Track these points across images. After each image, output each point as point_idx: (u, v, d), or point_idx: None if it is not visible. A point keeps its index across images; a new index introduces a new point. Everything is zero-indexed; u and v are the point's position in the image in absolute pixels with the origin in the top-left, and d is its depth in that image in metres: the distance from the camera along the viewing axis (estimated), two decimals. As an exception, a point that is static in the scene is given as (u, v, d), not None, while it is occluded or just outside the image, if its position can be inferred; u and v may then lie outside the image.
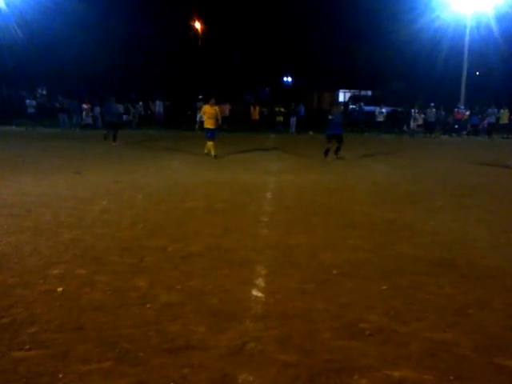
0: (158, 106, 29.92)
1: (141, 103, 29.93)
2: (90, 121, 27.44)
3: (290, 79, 53.52)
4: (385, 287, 4.51)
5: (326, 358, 3.26)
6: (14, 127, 26.82)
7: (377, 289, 4.47)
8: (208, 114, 14.85)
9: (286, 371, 3.09)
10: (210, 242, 5.88)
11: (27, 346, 3.35)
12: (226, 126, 18.35)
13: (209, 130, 14.78)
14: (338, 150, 14.53)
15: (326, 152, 14.36)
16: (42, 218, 6.87)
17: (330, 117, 14.48)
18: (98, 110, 27.35)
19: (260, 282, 4.59)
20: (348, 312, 3.98)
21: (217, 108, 15.03)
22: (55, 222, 6.72)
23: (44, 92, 34.80)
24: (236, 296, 4.25)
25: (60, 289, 4.37)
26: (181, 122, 29.86)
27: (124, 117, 26.62)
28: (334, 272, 4.90)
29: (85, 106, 27.35)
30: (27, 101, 27.39)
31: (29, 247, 5.56)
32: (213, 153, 14.57)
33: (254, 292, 4.34)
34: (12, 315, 3.82)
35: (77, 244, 5.73)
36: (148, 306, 4.05)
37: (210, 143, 14.77)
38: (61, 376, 3.03)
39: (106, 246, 5.66)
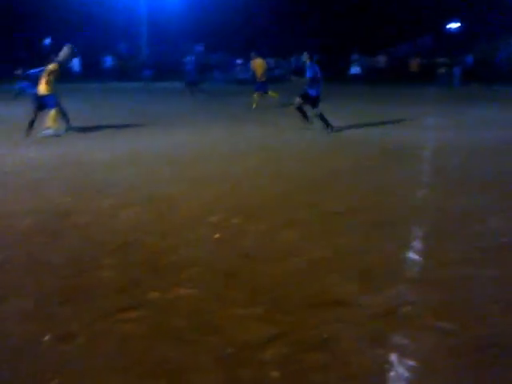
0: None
1: (294, 57, 29.73)
2: (242, 75, 28.14)
3: (455, 25, 46.86)
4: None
5: (491, 331, 2.99)
6: (175, 83, 28.41)
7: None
8: None
9: (446, 340, 2.89)
10: (363, 200, 5.72)
11: (188, 285, 3.57)
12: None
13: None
14: None
15: None
16: (199, 169, 7.25)
17: None
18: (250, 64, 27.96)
19: (417, 244, 4.35)
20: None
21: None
22: (212, 173, 7.05)
23: (201, 49, 36.36)
24: (390, 257, 4.07)
25: (217, 235, 4.57)
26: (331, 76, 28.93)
27: (276, 71, 26.84)
28: (504, 240, 4.46)
29: (239, 61, 28.09)
30: (186, 58, 28.88)
31: (190, 195, 5.91)
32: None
33: (411, 254, 4.12)
34: (175, 256, 4.10)
35: (232, 195, 5.95)
36: (299, 258, 4.06)
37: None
38: (217, 315, 3.17)
39: (259, 200, 5.79)
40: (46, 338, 2.90)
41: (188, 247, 4.29)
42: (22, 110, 12.29)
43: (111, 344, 2.84)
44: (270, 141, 9.82)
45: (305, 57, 10.75)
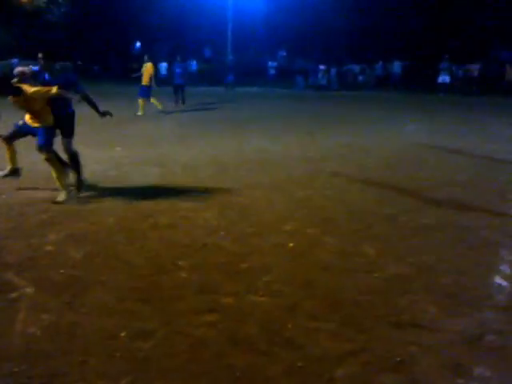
0: (396, 67, 28.75)
1: (381, 63, 29.10)
2: (324, 82, 27.97)
3: None
4: None
5: None
6: (256, 88, 28.84)
7: None
8: None
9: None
10: (445, 216, 5.48)
11: (261, 293, 3.57)
12: None
13: None
14: None
15: None
16: (277, 175, 7.26)
17: None
18: (334, 71, 27.72)
19: (505, 268, 4.10)
20: None
21: None
22: (288, 179, 7.04)
23: (284, 54, 36.55)
24: (473, 280, 3.86)
25: (291, 244, 4.55)
26: (420, 83, 27.89)
27: (359, 77, 26.35)
28: None
29: (322, 67, 27.94)
30: (269, 63, 29.16)
31: (265, 201, 5.93)
32: None
33: (497, 279, 3.89)
34: (249, 262, 4.12)
35: (307, 203, 5.90)
36: (375, 274, 3.95)
37: None
38: (289, 326, 3.14)
39: (335, 209, 5.71)
40: (123, 334, 3.01)
41: (263, 254, 4.30)
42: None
43: (184, 346, 2.90)
44: (347, 148, 9.64)
45: None
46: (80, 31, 36.24)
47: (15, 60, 32.93)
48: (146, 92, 14.92)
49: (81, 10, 36.98)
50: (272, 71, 28.94)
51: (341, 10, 32.79)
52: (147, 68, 15.00)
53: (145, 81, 14.87)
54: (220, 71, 29.45)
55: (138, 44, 42.54)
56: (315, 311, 3.35)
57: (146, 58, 15.34)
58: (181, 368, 2.70)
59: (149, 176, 7.08)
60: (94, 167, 7.32)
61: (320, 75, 27.96)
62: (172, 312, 3.28)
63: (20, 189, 6.10)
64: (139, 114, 14.55)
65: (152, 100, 15.05)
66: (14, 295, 3.47)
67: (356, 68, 29.33)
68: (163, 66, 28.51)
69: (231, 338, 2.99)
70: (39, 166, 6.39)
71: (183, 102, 17.33)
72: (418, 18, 31.33)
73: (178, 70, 17.72)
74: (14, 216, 5.19)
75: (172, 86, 17.92)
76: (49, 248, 4.34)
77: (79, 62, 34.86)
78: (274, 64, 29.37)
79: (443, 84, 24.42)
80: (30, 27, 36.53)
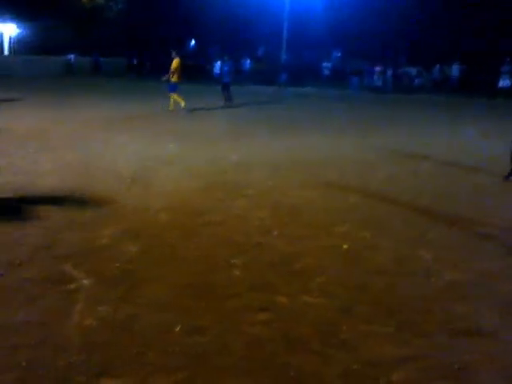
0: (455, 70, 27.86)
1: (438, 66, 28.33)
2: (380, 83, 27.55)
3: None
4: None
5: None
6: (309, 88, 28.68)
7: None
8: None
9: None
10: (504, 222, 5.28)
11: (315, 294, 3.55)
12: None
13: None
14: None
15: None
16: (330, 177, 7.20)
17: None
18: (389, 72, 27.25)
19: None
20: None
21: None
22: (342, 181, 6.97)
23: (339, 54, 36.23)
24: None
25: (345, 246, 4.50)
26: (479, 88, 26.87)
27: (416, 80, 25.82)
28: None
29: (377, 68, 27.54)
30: (323, 63, 29.00)
31: (318, 202, 5.90)
32: None
33: None
34: (303, 263, 4.11)
35: (361, 205, 5.83)
36: (432, 279, 3.85)
37: None
38: (344, 328, 3.11)
39: (390, 212, 5.61)
40: (178, 328, 3.05)
41: (316, 256, 4.27)
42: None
43: (239, 344, 2.91)
44: (401, 151, 9.45)
45: None
46: (135, 28, 37.13)
47: (71, 56, 34.30)
48: (174, 87, 15.01)
49: (137, 7, 37.91)
50: (326, 71, 28.76)
51: (398, 10, 32.07)
52: (173, 64, 14.99)
53: (173, 77, 14.88)
54: (273, 71, 29.51)
55: (193, 42, 43.27)
56: (370, 314, 3.30)
57: (173, 53, 15.15)
58: (236, 365, 2.72)
59: (200, 173, 7.16)
60: (146, 163, 7.49)
61: (375, 77, 27.53)
62: (226, 309, 3.31)
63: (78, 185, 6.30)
64: (181, 106, 14.57)
65: (175, 96, 14.96)
66: (71, 286, 3.56)
67: (413, 70, 28.71)
68: (217, 64, 28.79)
69: (285, 338, 2.98)
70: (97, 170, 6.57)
71: (231, 100, 17.44)
72: (478, 19, 30.22)
73: (225, 68, 17.94)
74: (72, 210, 5.35)
75: (220, 84, 18.10)
76: (104, 242, 4.44)
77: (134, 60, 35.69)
78: (329, 65, 29.16)
79: (504, 88, 23.42)
80: (87, 24, 37.68)
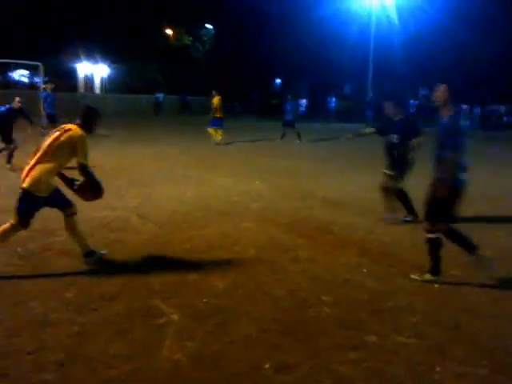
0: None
1: None
2: (467, 123, 26.61)
3: None
4: None
5: None
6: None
7: None
8: None
9: None
10: None
11: (407, 334, 3.48)
12: None
13: None
14: None
15: None
16: (418, 212, 6.93)
17: None
18: (477, 110, 26.35)
19: None
20: None
21: None
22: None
23: (425, 93, 35.51)
24: None
25: (436, 285, 4.38)
26: None
27: (505, 118, 24.81)
28: None
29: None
30: (410, 101, 28.65)
31: (406, 240, 5.76)
32: None
33: None
34: (394, 301, 4.04)
35: (451, 244, 5.56)
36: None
37: None
38: (438, 369, 3.03)
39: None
40: (267, 365, 3.06)
41: (407, 294, 4.18)
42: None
43: (330, 382, 2.90)
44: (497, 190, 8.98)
45: None
46: (222, 68, 38.54)
47: (160, 94, 35.82)
48: (217, 122, 16.21)
49: (223, 47, 39.47)
50: (412, 109, 28.42)
51: (486, 47, 31.08)
52: (213, 101, 16.30)
53: (214, 113, 16.18)
54: (359, 108, 29.44)
55: (279, 80, 44.26)
56: (464, 355, 3.20)
57: (213, 92, 16.49)
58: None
59: (287, 209, 7.24)
60: (235, 199, 7.70)
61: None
62: (315, 347, 3.30)
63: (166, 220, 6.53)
64: (215, 140, 15.98)
65: (211, 130, 16.34)
66: (161, 321, 3.63)
67: (501, 108, 27.69)
68: (303, 102, 29.23)
69: (377, 377, 2.94)
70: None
71: (299, 138, 17.57)
72: None
73: (288, 107, 18.15)
74: (160, 243, 5.51)
75: (282, 122, 18.34)
76: (192, 276, 4.50)
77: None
78: (415, 102, 28.83)
79: None
80: (175, 64, 39.45)
